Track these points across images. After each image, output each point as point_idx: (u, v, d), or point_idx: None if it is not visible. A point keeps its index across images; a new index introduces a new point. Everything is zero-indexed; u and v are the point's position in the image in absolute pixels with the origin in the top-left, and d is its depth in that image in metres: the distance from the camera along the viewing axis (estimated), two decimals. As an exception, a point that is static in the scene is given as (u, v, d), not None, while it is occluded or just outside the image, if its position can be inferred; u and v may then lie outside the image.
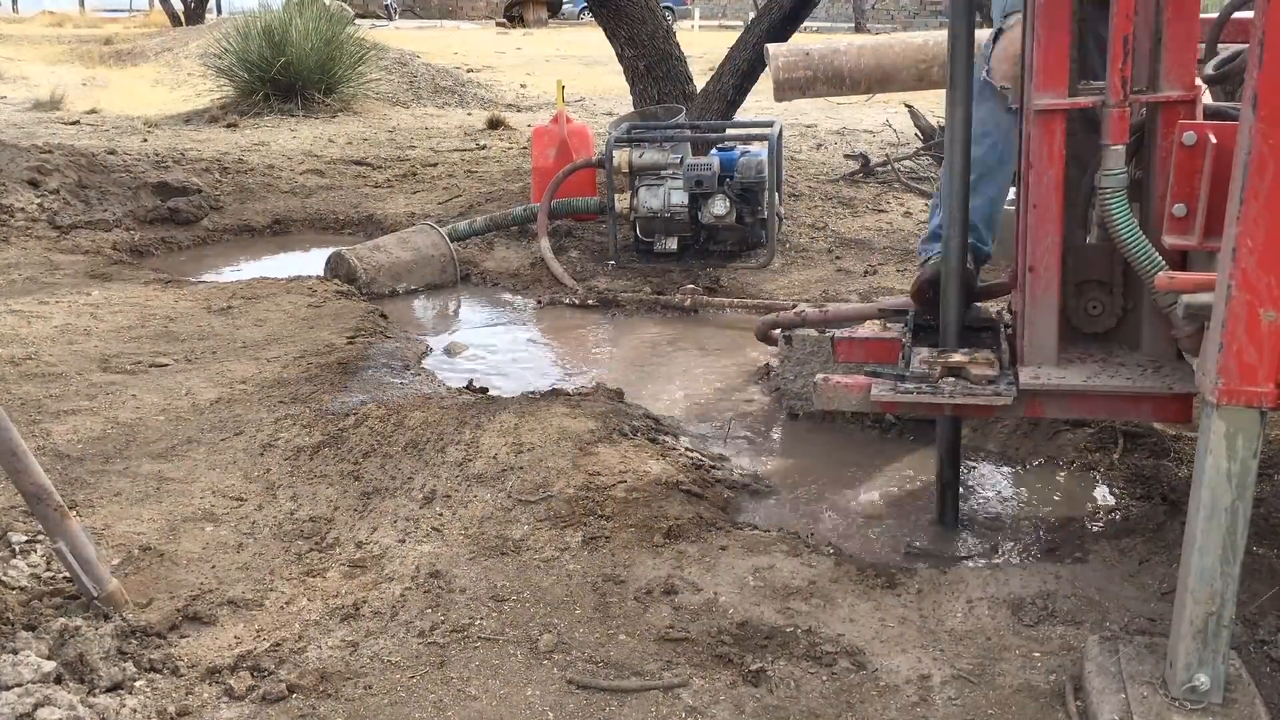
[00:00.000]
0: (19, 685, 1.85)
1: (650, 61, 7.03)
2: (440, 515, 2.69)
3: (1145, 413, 2.53)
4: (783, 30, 6.74)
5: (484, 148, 8.62)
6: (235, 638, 2.17)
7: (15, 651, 1.96)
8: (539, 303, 5.01)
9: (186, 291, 4.81)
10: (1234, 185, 1.60)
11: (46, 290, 4.72)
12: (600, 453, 2.96)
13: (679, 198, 5.29)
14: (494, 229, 5.78)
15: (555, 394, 3.49)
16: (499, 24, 25.44)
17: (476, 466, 2.92)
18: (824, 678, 2.04)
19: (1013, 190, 2.90)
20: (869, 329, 3.20)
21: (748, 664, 2.06)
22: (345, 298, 4.73)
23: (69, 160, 6.42)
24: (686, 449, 3.22)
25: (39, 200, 5.98)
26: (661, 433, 3.32)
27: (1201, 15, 2.27)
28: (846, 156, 7.80)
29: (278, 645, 2.13)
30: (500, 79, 14.16)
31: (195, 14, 20.75)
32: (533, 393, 3.58)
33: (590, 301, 4.93)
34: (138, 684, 1.99)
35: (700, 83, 7.22)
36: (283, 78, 10.19)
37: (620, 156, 5.43)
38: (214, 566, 2.46)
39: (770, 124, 5.59)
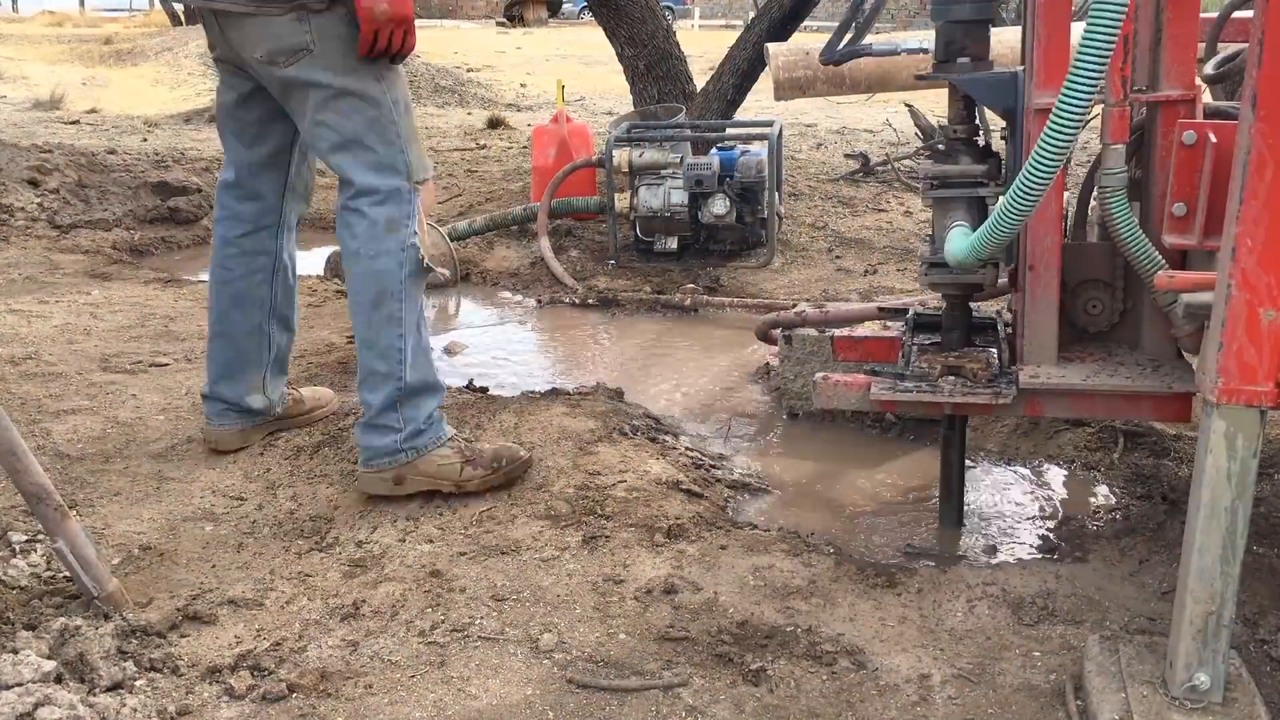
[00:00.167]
0: (19, 685, 1.85)
1: (650, 61, 7.03)
2: (440, 514, 2.69)
3: (1145, 412, 2.53)
4: (783, 30, 6.74)
5: (484, 147, 8.62)
6: (235, 637, 2.17)
7: (15, 651, 1.96)
8: (539, 302, 5.01)
9: (186, 291, 4.81)
10: (1234, 185, 1.60)
11: (46, 290, 4.72)
12: (600, 452, 2.97)
13: (679, 197, 5.29)
14: (494, 228, 5.78)
15: (555, 393, 3.49)
16: (499, 23, 25.45)
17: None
18: (824, 677, 2.04)
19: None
20: (868, 328, 3.21)
21: (748, 663, 2.06)
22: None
23: (69, 160, 6.42)
24: (687, 448, 3.22)
25: (39, 200, 5.98)
26: (661, 432, 3.32)
27: (1201, 15, 2.27)
28: (846, 156, 7.80)
29: (278, 645, 2.13)
30: (500, 78, 14.17)
31: (195, 14, 20.72)
32: (533, 392, 3.58)
33: (590, 301, 4.94)
34: (138, 683, 1.99)
35: (700, 82, 7.22)
36: (283, 77, 10.17)
37: (620, 156, 5.43)
38: (214, 566, 2.46)
39: (770, 124, 5.59)
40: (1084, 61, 1.66)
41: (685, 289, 4.85)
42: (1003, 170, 2.48)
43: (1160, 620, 2.19)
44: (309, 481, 2.89)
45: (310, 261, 5.64)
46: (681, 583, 2.35)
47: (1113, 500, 2.87)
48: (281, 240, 2.99)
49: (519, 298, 5.13)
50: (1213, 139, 1.88)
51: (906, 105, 7.98)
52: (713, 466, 3.13)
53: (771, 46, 6.22)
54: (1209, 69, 2.66)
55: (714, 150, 5.46)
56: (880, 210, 6.37)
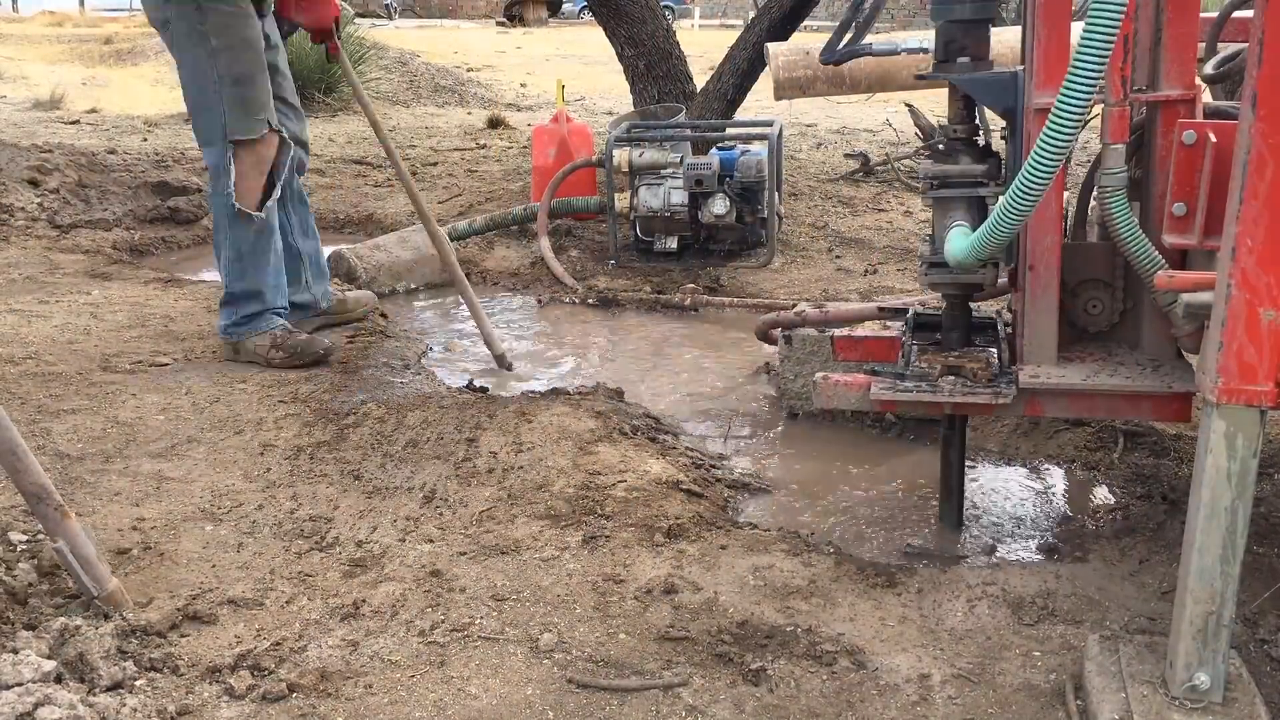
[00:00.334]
0: (19, 685, 1.85)
1: (650, 61, 7.03)
2: (440, 514, 2.69)
3: (1145, 412, 2.53)
4: (783, 29, 6.74)
5: (484, 147, 8.62)
6: (235, 637, 2.17)
7: (15, 651, 1.96)
8: (539, 302, 5.01)
9: (186, 291, 4.81)
10: (1233, 184, 1.60)
11: (46, 290, 4.71)
12: (600, 452, 2.97)
13: (679, 197, 5.29)
14: (494, 228, 5.78)
15: (555, 393, 3.49)
16: (499, 23, 25.44)
17: (476, 466, 2.92)
18: (824, 677, 2.04)
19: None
20: (868, 328, 3.21)
21: (748, 663, 2.06)
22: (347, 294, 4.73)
23: (69, 160, 6.41)
24: (687, 448, 3.22)
25: (39, 199, 5.97)
26: (662, 432, 3.32)
27: (1201, 15, 2.27)
28: (846, 156, 7.80)
29: (278, 644, 2.13)
30: (500, 78, 14.16)
31: None
32: (533, 392, 3.58)
33: (590, 301, 4.94)
34: (138, 683, 1.99)
35: (700, 82, 7.22)
36: (283, 77, 10.18)
37: (620, 156, 5.43)
38: (214, 566, 2.46)
39: (770, 123, 5.58)
40: (1083, 61, 1.66)
41: (685, 289, 4.85)
42: (1003, 170, 2.48)
43: (1160, 620, 2.19)
44: (309, 481, 2.89)
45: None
46: (681, 582, 2.35)
47: (1113, 500, 2.87)
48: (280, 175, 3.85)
49: (519, 297, 5.13)
50: (1213, 139, 1.88)
51: (906, 105, 7.98)
52: (713, 466, 3.13)
53: (771, 46, 6.22)
54: (1209, 69, 2.66)
55: (714, 150, 5.46)
56: (880, 210, 6.37)
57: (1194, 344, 2.23)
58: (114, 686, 1.96)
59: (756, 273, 5.21)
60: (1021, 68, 2.39)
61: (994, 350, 2.55)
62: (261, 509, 2.74)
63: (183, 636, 2.17)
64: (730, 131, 6.02)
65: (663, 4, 8.43)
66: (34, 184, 6.06)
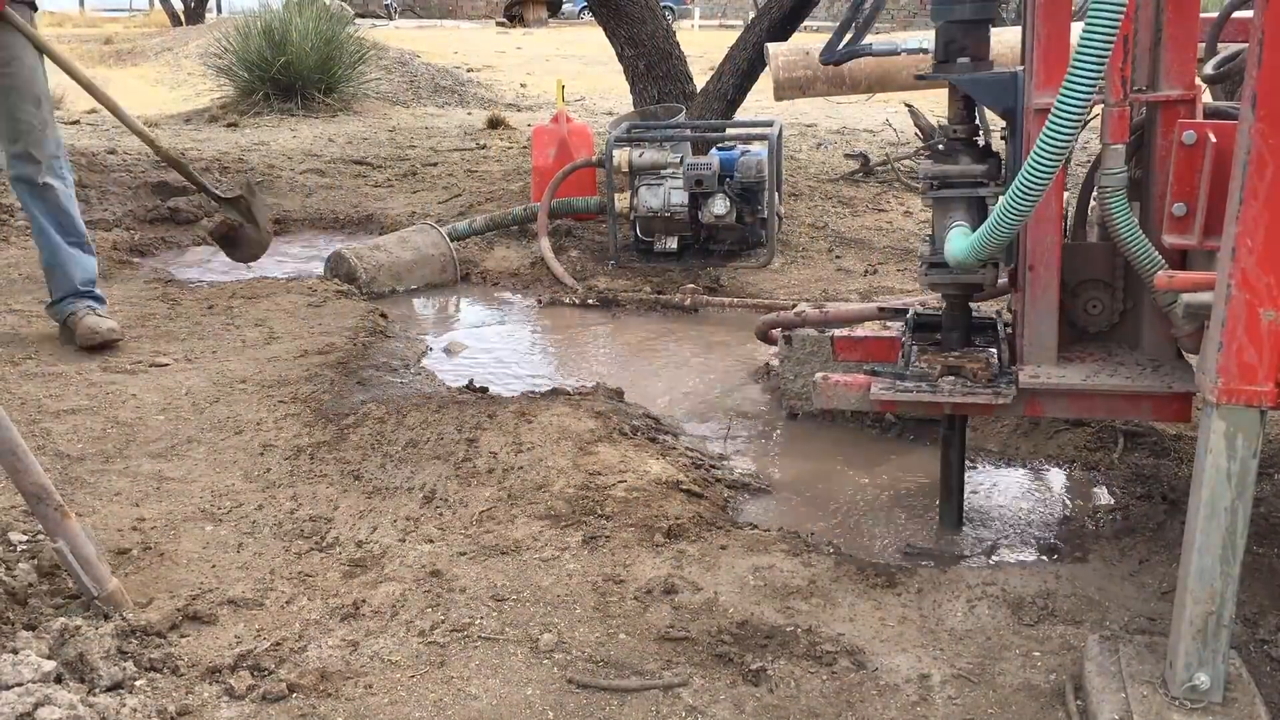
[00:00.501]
0: (19, 685, 1.85)
1: (650, 61, 7.03)
2: (440, 515, 2.69)
3: (1145, 412, 2.53)
4: (783, 29, 6.74)
5: (484, 147, 8.62)
6: (235, 637, 2.17)
7: (15, 651, 1.96)
8: (539, 302, 5.01)
9: (186, 291, 4.82)
10: (1233, 185, 1.60)
11: (46, 290, 4.71)
12: (600, 452, 2.97)
13: (679, 197, 5.29)
14: (494, 228, 5.78)
15: (555, 393, 3.49)
16: (499, 23, 25.44)
17: (476, 466, 2.92)
18: (824, 677, 2.04)
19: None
20: (868, 328, 3.21)
21: (748, 663, 2.06)
22: (345, 297, 4.73)
23: (69, 160, 6.41)
24: (687, 448, 3.22)
25: (39, 200, 5.96)
26: (662, 432, 3.32)
27: (1201, 15, 2.27)
28: (846, 156, 7.80)
29: (278, 644, 2.13)
30: (500, 78, 14.17)
31: (195, 14, 20.75)
32: (533, 392, 3.58)
33: (590, 301, 4.94)
34: (138, 683, 1.99)
35: (700, 82, 7.23)
36: (283, 77, 10.18)
37: (620, 156, 5.43)
38: (214, 566, 2.46)
39: (770, 124, 5.59)
40: (1083, 61, 1.66)
41: (685, 289, 4.85)
42: (1003, 170, 2.48)
43: (1160, 620, 2.19)
44: (309, 482, 2.89)
45: (310, 261, 5.64)
46: (681, 583, 2.35)
47: (1113, 500, 2.87)
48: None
49: (519, 298, 5.13)
50: (1213, 139, 1.88)
51: (906, 105, 7.98)
52: (713, 466, 3.13)
53: (771, 46, 6.22)
54: (1209, 69, 2.66)
55: (714, 150, 5.46)
56: (880, 210, 6.37)
57: (1194, 344, 2.23)
58: (114, 687, 1.96)
59: (756, 273, 5.21)
60: (1021, 68, 2.39)
61: (994, 350, 2.55)
62: (261, 509, 2.74)
63: (183, 637, 2.17)
64: (730, 132, 6.03)
65: (663, 4, 8.43)
66: (34, 184, 6.05)
